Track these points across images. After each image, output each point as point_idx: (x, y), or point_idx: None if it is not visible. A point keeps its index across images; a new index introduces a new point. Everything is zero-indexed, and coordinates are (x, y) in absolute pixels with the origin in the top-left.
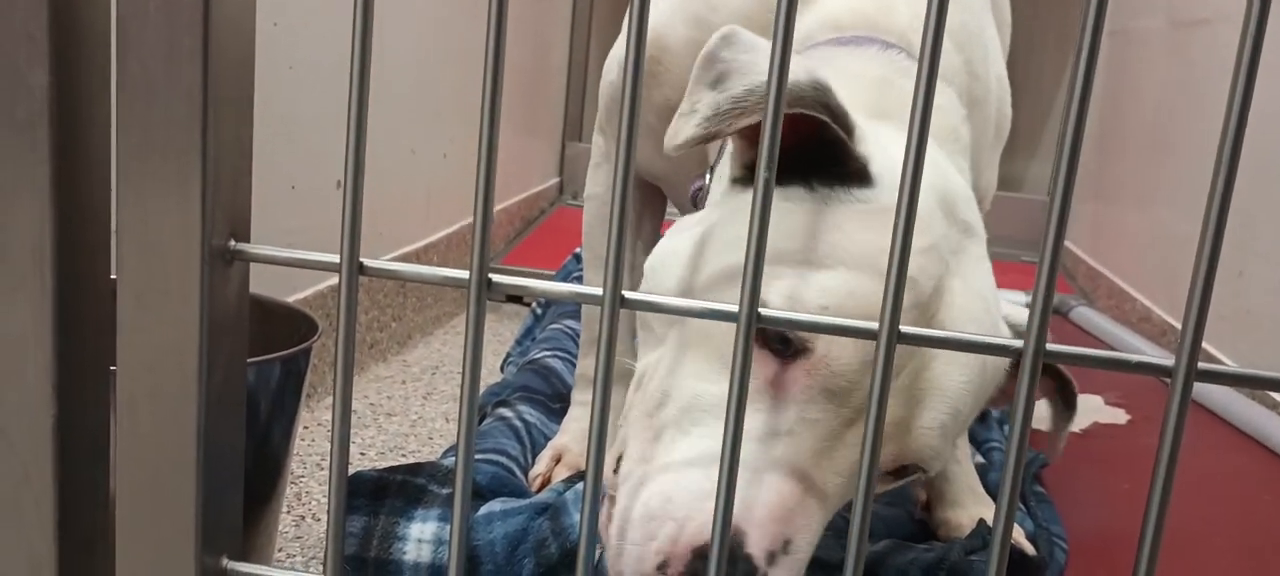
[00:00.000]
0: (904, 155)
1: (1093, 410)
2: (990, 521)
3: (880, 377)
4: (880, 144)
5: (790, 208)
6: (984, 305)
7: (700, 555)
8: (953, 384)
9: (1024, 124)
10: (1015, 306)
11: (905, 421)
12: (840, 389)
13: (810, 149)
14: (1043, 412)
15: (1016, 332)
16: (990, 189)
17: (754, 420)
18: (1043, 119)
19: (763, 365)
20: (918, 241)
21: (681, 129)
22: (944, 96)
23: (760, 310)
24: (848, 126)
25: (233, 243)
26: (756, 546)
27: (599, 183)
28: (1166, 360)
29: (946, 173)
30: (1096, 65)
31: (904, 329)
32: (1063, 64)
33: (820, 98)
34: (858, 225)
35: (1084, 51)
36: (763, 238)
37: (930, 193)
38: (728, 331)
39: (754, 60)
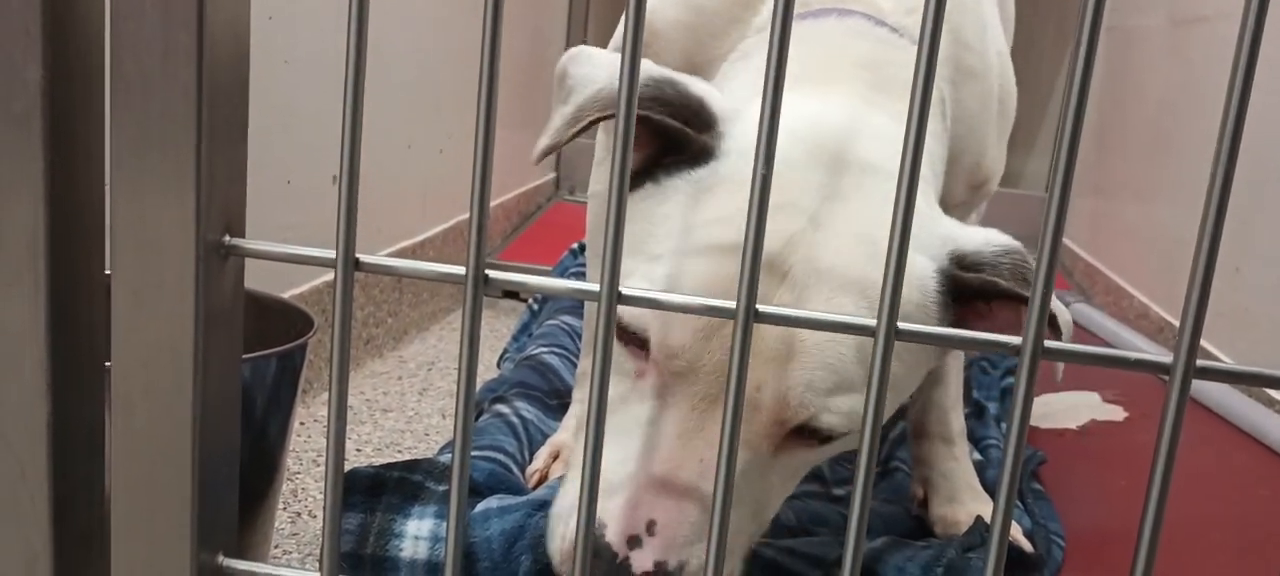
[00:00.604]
0: (903, 141)
1: (1090, 407)
2: (988, 518)
3: (878, 374)
4: (749, 117)
5: (636, 209)
6: (854, 254)
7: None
8: (812, 340)
9: (1022, 120)
10: (971, 232)
11: (763, 383)
12: (683, 369)
13: (666, 144)
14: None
15: (962, 262)
16: (996, 169)
17: (626, 414)
18: (1041, 115)
19: (632, 359)
20: (731, 204)
21: (539, 142)
22: (903, 52)
23: (758, 307)
24: (699, 110)
25: (228, 238)
26: (614, 534)
27: (600, 180)
28: (1165, 357)
29: (837, 113)
30: (1095, 61)
31: (901, 326)
32: (1061, 59)
33: (652, 93)
34: (682, 207)
35: (1083, 47)
36: (759, 235)
37: (793, 140)
38: (614, 350)
39: (590, 73)
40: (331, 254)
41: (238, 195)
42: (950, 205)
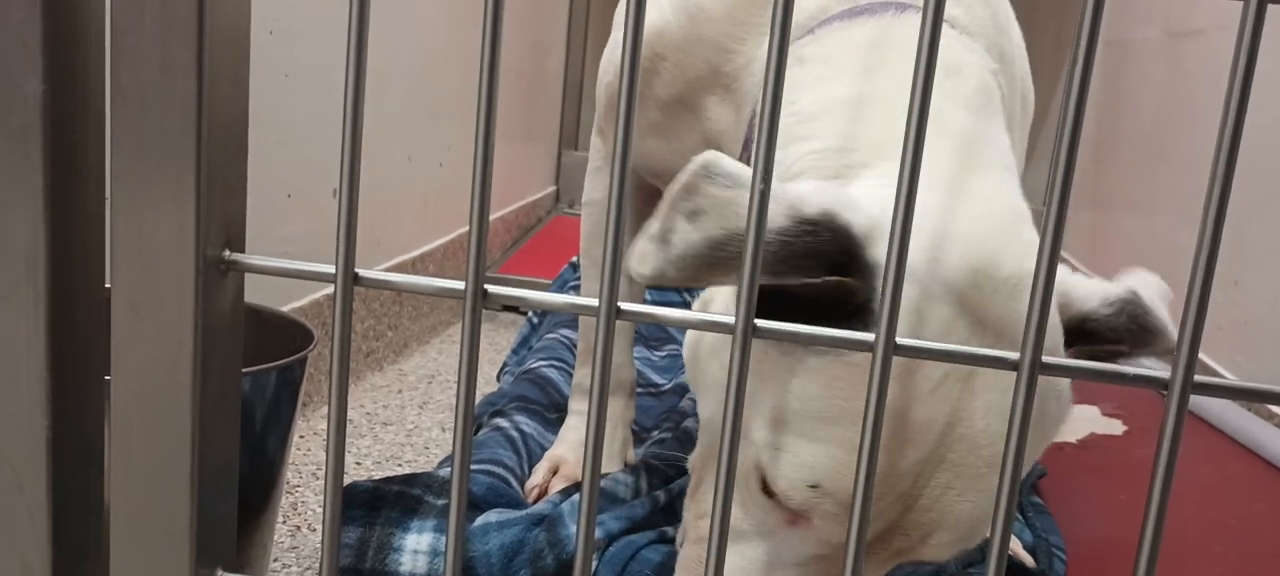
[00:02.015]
0: (902, 146)
1: (1089, 420)
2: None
3: (877, 387)
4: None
5: (809, 364)
6: (1001, 417)
7: None
8: (964, 513)
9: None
10: (1086, 289)
11: (905, 549)
12: (836, 549)
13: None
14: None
15: (1084, 329)
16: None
17: (785, 549)
18: (1038, 127)
19: (781, 508)
20: (921, 384)
21: (651, 256)
22: (972, 53)
23: (756, 322)
24: (854, 243)
25: (227, 253)
26: None
27: (598, 188)
28: (1162, 373)
29: (978, 210)
30: (1092, 74)
31: (900, 340)
32: (1058, 72)
33: (810, 245)
34: (854, 386)
35: (1079, 62)
36: (757, 247)
37: (933, 277)
38: (746, 473)
39: (735, 197)
40: (331, 269)
41: (238, 209)
42: None
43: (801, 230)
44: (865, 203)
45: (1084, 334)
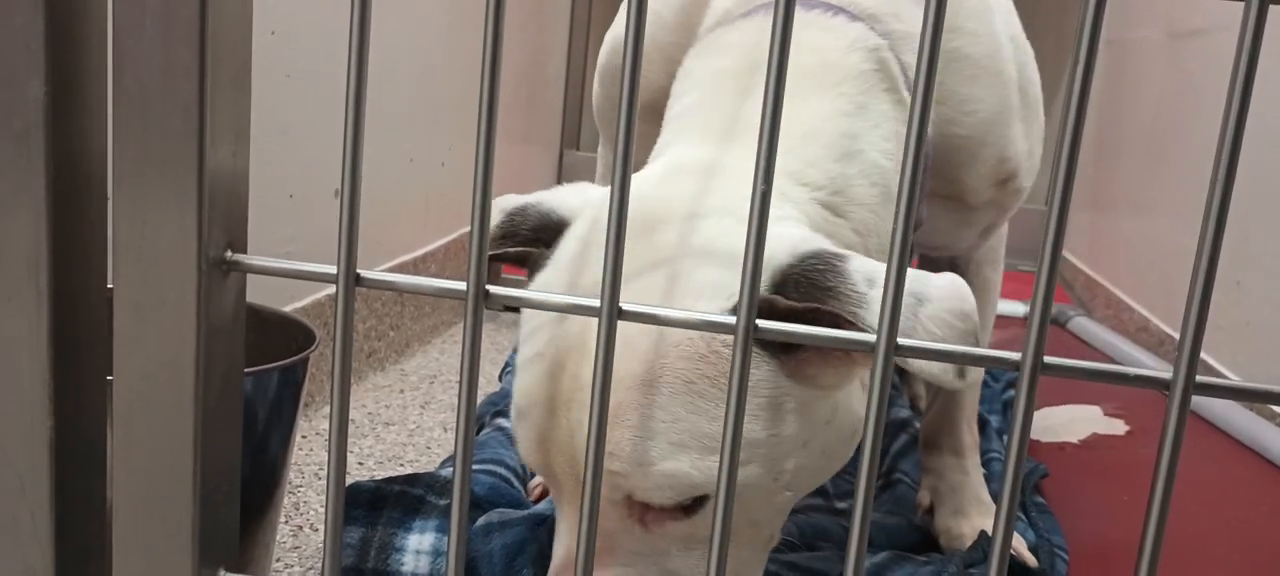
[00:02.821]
0: (903, 145)
1: (1091, 420)
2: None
3: (878, 391)
4: (587, 215)
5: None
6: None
7: None
8: (612, 443)
9: None
10: (784, 242)
11: (607, 495)
12: (554, 482)
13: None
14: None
15: (782, 287)
16: (1024, 163)
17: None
18: None
19: None
20: (538, 316)
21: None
22: (833, 35)
23: (758, 323)
24: (552, 224)
25: (229, 253)
26: None
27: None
28: (1164, 373)
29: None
30: (1093, 75)
31: (902, 342)
32: (1060, 73)
33: (504, 229)
34: (525, 325)
35: (1080, 63)
36: (759, 249)
37: (597, 227)
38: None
39: (497, 204)
40: (333, 269)
41: (239, 210)
42: (976, 204)
43: (507, 218)
44: (581, 195)
45: (780, 290)
